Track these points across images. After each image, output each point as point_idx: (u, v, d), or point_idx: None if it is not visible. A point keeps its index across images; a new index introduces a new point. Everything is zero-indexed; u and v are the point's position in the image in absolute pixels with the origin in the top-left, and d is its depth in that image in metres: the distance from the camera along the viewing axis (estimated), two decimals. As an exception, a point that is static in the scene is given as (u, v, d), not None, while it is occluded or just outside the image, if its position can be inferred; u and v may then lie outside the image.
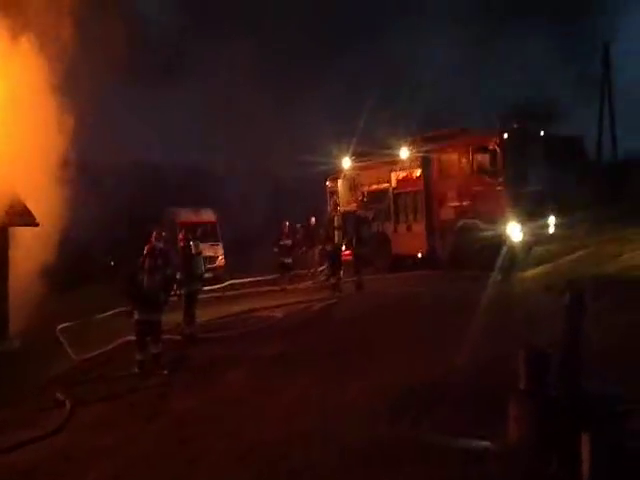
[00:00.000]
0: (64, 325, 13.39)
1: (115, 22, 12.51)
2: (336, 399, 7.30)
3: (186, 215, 23.58)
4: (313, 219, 20.03)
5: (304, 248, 19.57)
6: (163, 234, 11.01)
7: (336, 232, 15.52)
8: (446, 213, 16.25)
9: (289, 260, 18.22)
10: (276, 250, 18.15)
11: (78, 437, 7.52)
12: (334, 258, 15.39)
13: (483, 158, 15.17)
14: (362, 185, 19.45)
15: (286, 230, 18.59)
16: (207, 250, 21.90)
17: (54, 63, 12.03)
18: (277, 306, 13.79)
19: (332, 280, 15.16)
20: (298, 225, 20.29)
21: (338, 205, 18.25)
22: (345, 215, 16.84)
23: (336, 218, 15.84)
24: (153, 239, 10.41)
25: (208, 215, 24.08)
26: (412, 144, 17.60)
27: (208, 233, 22.62)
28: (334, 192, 20.79)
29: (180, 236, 12.66)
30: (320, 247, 18.05)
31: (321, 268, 19.03)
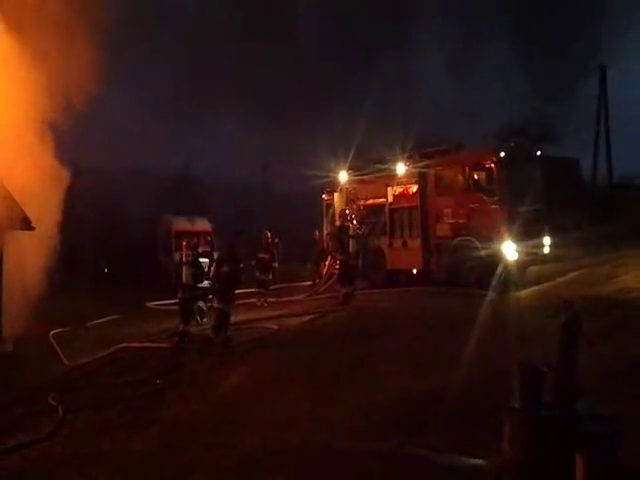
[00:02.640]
0: (57, 330, 13.36)
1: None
2: (327, 413, 7.31)
3: (182, 224, 23.63)
4: (317, 232, 19.90)
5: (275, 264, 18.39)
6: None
7: (350, 241, 15.59)
8: (442, 230, 16.29)
9: (265, 276, 17.18)
10: (253, 264, 17.15)
11: (70, 443, 7.51)
12: (347, 268, 15.44)
13: (480, 176, 15.24)
14: (358, 199, 19.48)
15: (266, 242, 17.62)
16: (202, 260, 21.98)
17: (46, 61, 11.96)
18: (272, 317, 13.78)
19: (343, 290, 15.21)
20: (276, 239, 19.66)
21: (350, 215, 17.39)
22: (338, 229, 16.93)
23: (351, 227, 15.88)
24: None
25: (203, 224, 24.13)
26: (409, 159, 17.67)
27: (203, 242, 22.63)
28: (330, 205, 20.83)
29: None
30: (330, 258, 17.95)
31: (317, 281, 19.03)
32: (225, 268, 11.51)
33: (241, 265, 11.90)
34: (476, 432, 5.86)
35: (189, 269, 12.79)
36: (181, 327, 12.40)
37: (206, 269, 13.90)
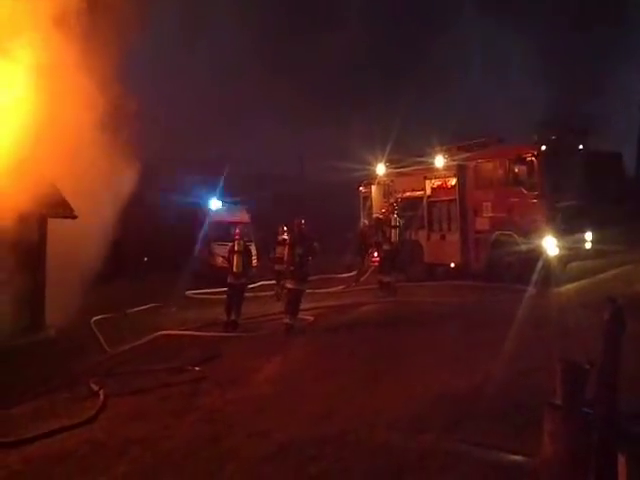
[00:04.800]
0: (98, 317, 13.63)
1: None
2: (366, 404, 7.32)
3: (219, 214, 23.80)
4: (365, 222, 19.81)
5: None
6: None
7: (393, 231, 15.60)
8: (481, 224, 16.14)
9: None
10: (271, 255, 17.64)
11: (110, 427, 7.62)
12: (390, 258, 15.54)
13: (520, 169, 15.03)
14: (396, 192, 19.41)
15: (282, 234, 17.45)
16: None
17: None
18: (311, 308, 13.84)
19: (386, 279, 15.25)
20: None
21: (393, 206, 17.39)
22: (376, 221, 16.98)
23: (392, 218, 15.87)
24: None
25: (242, 215, 24.25)
26: (447, 152, 17.55)
27: (241, 232, 22.76)
28: (367, 198, 20.81)
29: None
30: (372, 250, 17.96)
31: (352, 273, 19.06)
32: (298, 250, 12.13)
33: (315, 244, 12.53)
34: (516, 428, 5.81)
35: (240, 257, 13.36)
36: (233, 316, 12.94)
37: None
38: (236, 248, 13.63)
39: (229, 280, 13.49)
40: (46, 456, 6.85)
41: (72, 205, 12.92)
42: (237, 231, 14.49)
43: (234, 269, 13.36)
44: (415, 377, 8.06)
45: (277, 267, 16.84)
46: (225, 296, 13.70)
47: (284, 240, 16.08)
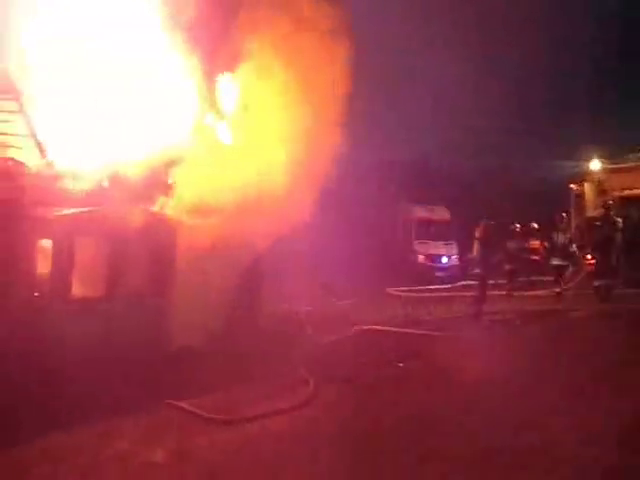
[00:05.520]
0: (307, 309, 14.31)
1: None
2: (583, 417, 6.91)
3: (421, 212, 23.82)
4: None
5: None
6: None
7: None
8: None
9: (513, 266, 17.30)
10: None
11: (321, 413, 7.98)
12: (606, 261, 14.95)
13: None
14: (612, 190, 17.99)
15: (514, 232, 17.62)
16: (441, 249, 22.04)
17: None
18: (513, 311, 13.38)
19: (597, 283, 14.69)
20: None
21: (609, 203, 16.32)
22: (590, 221, 15.89)
23: (612, 218, 15.11)
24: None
25: (443, 213, 24.06)
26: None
27: (442, 231, 22.66)
28: (579, 196, 19.58)
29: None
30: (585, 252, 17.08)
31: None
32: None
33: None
34: None
35: (479, 245, 13.83)
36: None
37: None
38: (477, 236, 13.85)
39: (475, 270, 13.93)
40: (265, 434, 7.33)
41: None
42: (482, 223, 14.26)
43: (472, 256, 13.94)
44: (616, 391, 7.44)
45: (507, 266, 16.72)
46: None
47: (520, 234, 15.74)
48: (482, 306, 13.16)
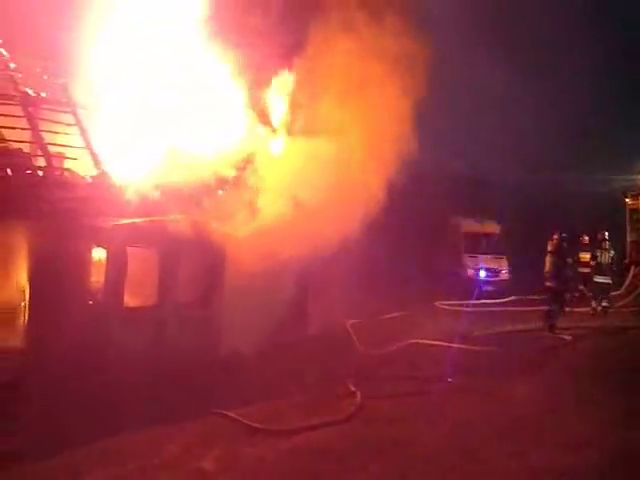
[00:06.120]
0: (354, 321, 14.26)
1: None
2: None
3: (471, 225, 23.51)
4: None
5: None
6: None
7: None
8: None
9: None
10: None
11: (367, 427, 7.94)
12: None
13: None
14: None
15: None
16: (490, 262, 21.69)
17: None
18: (566, 328, 13.07)
19: None
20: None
21: None
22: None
23: None
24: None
25: (492, 226, 23.69)
26: None
27: (492, 245, 22.32)
28: (635, 210, 19.04)
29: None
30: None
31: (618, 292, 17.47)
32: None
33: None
34: None
35: (551, 258, 13.73)
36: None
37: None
38: (549, 249, 13.80)
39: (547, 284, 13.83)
40: (310, 447, 7.33)
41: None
42: (555, 236, 14.18)
43: (545, 270, 13.65)
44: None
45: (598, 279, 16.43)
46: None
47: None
48: (556, 321, 13.03)
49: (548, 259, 13.82)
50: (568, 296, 14.41)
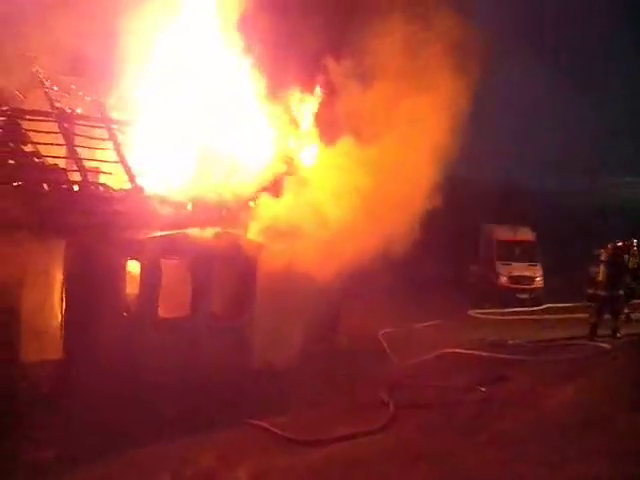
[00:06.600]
0: (386, 330, 14.20)
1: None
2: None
3: (504, 232, 23.24)
4: None
5: None
6: None
7: None
8: None
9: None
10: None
11: (400, 439, 7.87)
12: None
13: None
14: None
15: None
16: (525, 270, 21.39)
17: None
18: (603, 336, 12.82)
19: None
20: None
21: None
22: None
23: None
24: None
25: (526, 234, 23.37)
26: None
27: (526, 252, 22.04)
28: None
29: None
30: None
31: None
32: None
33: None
34: None
35: (605, 268, 13.54)
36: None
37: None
38: (602, 258, 13.69)
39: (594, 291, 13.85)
40: (343, 457, 7.30)
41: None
42: (609, 246, 14.05)
43: (599, 279, 13.57)
44: None
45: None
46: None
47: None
48: (596, 329, 12.90)
49: (602, 269, 13.66)
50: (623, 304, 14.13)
